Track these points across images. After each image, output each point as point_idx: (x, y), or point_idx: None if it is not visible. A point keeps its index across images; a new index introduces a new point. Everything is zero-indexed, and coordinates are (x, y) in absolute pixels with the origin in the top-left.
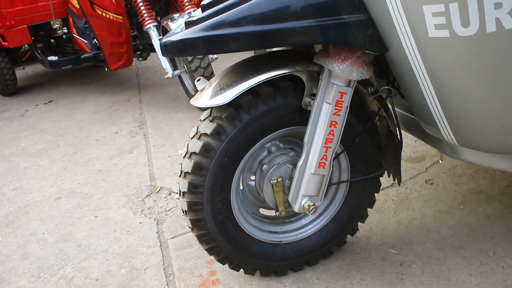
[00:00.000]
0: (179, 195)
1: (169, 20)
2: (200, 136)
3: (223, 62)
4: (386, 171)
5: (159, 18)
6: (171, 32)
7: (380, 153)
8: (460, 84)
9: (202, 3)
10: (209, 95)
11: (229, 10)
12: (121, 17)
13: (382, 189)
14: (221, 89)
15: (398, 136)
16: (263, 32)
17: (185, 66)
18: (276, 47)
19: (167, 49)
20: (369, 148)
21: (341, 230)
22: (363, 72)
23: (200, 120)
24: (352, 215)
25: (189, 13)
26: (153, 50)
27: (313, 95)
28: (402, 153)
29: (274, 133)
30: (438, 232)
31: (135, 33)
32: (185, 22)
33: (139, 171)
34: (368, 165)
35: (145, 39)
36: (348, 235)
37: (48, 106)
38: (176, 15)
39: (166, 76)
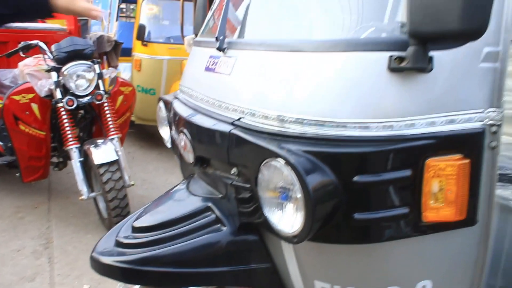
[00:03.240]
0: None
1: (92, 146)
2: None
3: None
4: None
5: (81, 134)
6: (101, 246)
7: None
8: None
9: (134, 223)
10: None
11: (156, 245)
12: (44, 133)
13: None
14: None
15: None
16: (182, 274)
17: (101, 189)
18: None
19: (94, 264)
20: None
21: None
22: None
23: None
24: None
25: (112, 139)
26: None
27: None
28: None
29: None
30: None
31: (55, 144)
32: (115, 240)
33: None
34: None
35: (64, 152)
36: None
37: None
38: (100, 141)
39: (80, 198)
